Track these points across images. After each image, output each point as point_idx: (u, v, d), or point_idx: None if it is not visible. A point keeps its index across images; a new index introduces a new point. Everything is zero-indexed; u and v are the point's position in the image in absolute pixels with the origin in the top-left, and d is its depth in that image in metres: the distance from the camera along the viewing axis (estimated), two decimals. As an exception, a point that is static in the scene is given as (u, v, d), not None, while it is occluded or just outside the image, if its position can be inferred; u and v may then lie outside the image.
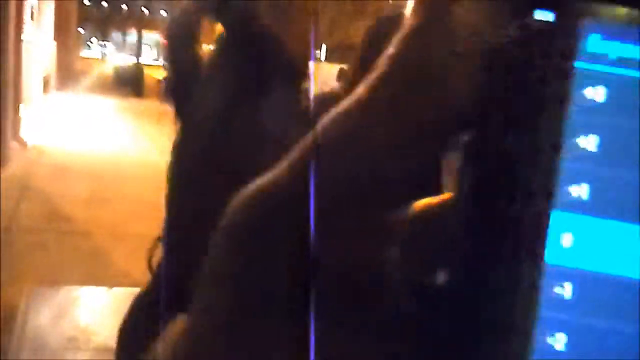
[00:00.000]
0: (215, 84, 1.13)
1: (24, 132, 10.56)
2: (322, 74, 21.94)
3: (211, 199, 1.05)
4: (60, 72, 19.48)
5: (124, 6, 55.33)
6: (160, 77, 32.30)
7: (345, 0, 25.96)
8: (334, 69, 20.39)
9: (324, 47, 31.13)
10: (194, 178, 1.15)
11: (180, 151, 1.21)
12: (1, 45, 7.98)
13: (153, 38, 71.10)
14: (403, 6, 1.24)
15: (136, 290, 1.45)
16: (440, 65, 0.29)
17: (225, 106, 1.08)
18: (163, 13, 71.69)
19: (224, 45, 1.18)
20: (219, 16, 1.18)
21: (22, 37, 9.63)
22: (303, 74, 1.12)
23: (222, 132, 1.09)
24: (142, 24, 46.81)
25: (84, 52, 59.99)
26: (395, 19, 1.33)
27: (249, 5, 1.11)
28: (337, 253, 0.31)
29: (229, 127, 1.08)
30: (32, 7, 10.08)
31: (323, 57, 30.11)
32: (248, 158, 0.94)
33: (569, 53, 0.28)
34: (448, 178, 0.33)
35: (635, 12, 0.26)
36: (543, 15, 0.28)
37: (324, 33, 29.84)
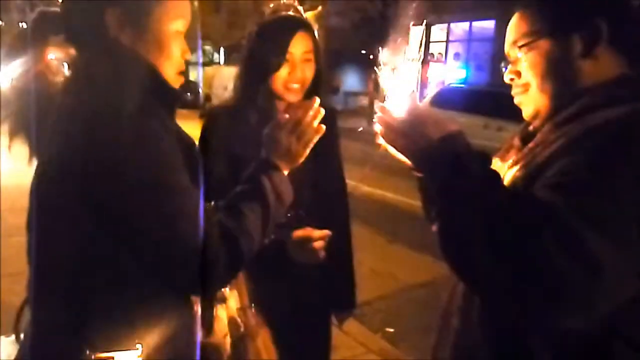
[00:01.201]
0: (70, 116, 1.03)
1: None
2: (223, 78, 21.42)
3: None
4: None
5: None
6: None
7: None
8: (233, 71, 20.24)
9: (222, 49, 30.70)
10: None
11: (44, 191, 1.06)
12: None
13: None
14: (290, 5, 1.30)
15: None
16: None
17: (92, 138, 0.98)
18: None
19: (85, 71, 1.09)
20: (74, 39, 1.10)
21: None
22: (178, 97, 1.11)
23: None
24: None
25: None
26: (281, 16, 1.40)
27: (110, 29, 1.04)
28: None
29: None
30: None
31: (222, 61, 29.66)
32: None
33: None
34: None
35: None
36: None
37: (222, 34, 29.42)
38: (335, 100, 23.32)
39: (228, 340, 1.33)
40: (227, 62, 28.66)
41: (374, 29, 17.04)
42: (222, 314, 1.33)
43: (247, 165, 1.18)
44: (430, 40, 19.27)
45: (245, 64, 1.57)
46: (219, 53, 30.97)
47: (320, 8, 22.24)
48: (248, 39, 1.58)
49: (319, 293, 1.66)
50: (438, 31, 19.07)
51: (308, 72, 1.52)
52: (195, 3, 1.55)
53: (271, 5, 1.60)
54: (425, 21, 19.25)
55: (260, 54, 1.49)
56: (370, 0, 16.59)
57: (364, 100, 18.73)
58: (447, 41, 18.86)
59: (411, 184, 6.21)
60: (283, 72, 1.48)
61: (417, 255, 5.17)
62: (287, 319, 1.50)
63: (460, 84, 14.22)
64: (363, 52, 20.11)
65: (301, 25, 1.50)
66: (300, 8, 1.55)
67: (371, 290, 4.29)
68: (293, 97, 1.52)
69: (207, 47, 31.03)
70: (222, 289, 1.32)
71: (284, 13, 1.52)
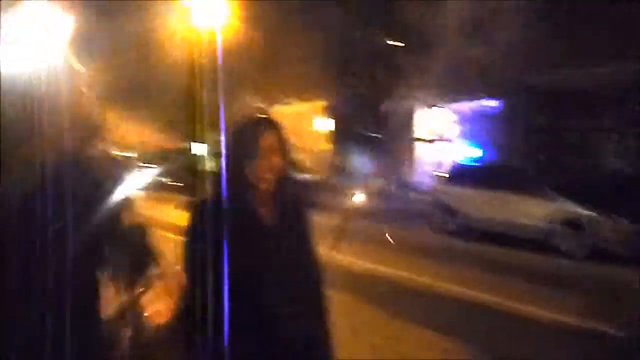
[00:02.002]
0: None
1: None
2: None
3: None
4: None
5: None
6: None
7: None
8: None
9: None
10: None
11: None
12: None
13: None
14: (260, 108, 1.44)
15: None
16: None
17: None
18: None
19: None
20: None
21: None
22: None
23: None
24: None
25: None
26: (253, 118, 1.59)
27: None
28: None
29: None
30: None
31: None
32: None
33: None
34: None
35: None
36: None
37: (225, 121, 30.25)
38: (345, 182, 23.56)
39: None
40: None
41: (377, 111, 17.56)
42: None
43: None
44: (435, 119, 19.70)
45: (226, 159, 1.75)
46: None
47: (324, 95, 23.15)
48: (227, 138, 1.79)
49: None
50: (446, 110, 19.52)
51: (276, 163, 1.70)
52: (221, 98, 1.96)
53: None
54: (430, 101, 19.78)
55: (236, 150, 1.71)
56: (372, 85, 17.18)
57: (371, 181, 18.88)
58: (453, 120, 19.24)
59: (415, 260, 6.20)
60: (255, 163, 1.67)
61: (420, 331, 4.99)
62: None
63: (471, 161, 14.40)
64: (370, 134, 20.59)
65: (268, 125, 1.74)
66: (267, 110, 1.80)
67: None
68: (265, 186, 1.69)
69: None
70: None
71: (255, 115, 1.81)
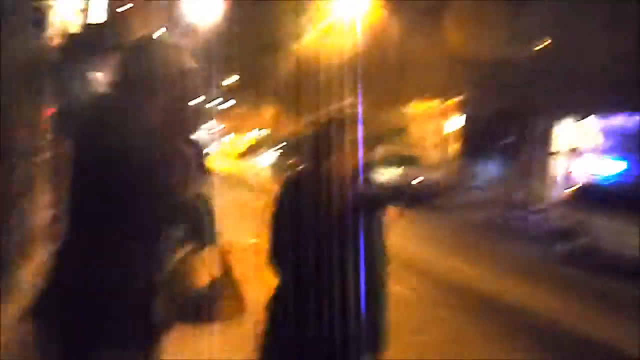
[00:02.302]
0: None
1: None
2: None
3: None
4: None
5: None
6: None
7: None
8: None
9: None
10: None
11: None
12: None
13: (203, 127, 75.10)
14: (345, 107, 1.67)
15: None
16: None
17: None
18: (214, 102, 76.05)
19: None
20: None
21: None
22: None
23: None
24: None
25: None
26: (337, 121, 1.78)
27: None
28: None
29: None
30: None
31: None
32: None
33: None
34: None
35: None
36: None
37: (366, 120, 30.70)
38: (473, 188, 22.85)
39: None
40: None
41: (516, 120, 16.79)
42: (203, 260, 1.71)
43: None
44: (577, 132, 18.34)
45: (309, 148, 1.98)
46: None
47: (461, 97, 22.48)
48: (312, 132, 2.00)
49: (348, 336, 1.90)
50: (585, 124, 18.13)
51: (354, 157, 1.90)
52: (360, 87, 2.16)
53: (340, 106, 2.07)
54: (572, 113, 18.48)
55: (320, 142, 1.92)
56: (512, 92, 16.41)
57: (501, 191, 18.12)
58: (596, 134, 17.80)
59: (530, 285, 5.94)
60: (337, 156, 1.89)
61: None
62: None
63: (608, 180, 13.28)
64: (505, 142, 19.72)
65: (348, 124, 1.88)
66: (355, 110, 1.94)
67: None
68: (345, 175, 1.91)
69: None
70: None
71: (339, 115, 1.96)
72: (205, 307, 1.72)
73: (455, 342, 5.15)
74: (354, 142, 1.88)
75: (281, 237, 1.90)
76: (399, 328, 5.43)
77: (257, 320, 2.05)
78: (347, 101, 2.00)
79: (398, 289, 7.12)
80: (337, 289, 1.83)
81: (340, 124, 1.93)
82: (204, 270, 1.71)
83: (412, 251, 9.63)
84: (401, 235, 12.51)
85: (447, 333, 5.41)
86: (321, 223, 1.83)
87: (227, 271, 1.75)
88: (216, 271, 1.73)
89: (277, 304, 1.96)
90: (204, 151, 1.87)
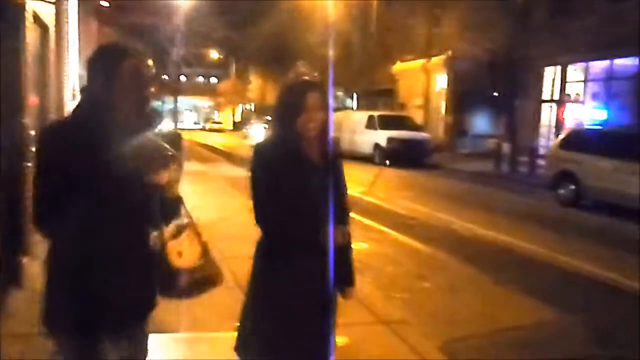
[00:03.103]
0: None
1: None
2: (350, 121, 22.02)
3: None
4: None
5: (164, 76, 58.38)
6: (199, 140, 32.83)
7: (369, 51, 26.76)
8: (361, 115, 20.79)
9: (354, 95, 31.94)
10: None
11: None
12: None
13: (191, 103, 74.45)
14: (306, 72, 1.86)
15: None
16: None
17: None
18: (200, 79, 75.32)
19: None
20: None
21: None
22: None
23: None
24: (179, 91, 49.05)
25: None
26: (301, 80, 1.93)
27: None
28: None
29: None
30: (73, 89, 10.78)
31: (355, 105, 30.80)
32: None
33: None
34: None
35: None
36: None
37: (353, 81, 30.68)
38: (464, 143, 23.04)
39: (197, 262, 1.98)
40: (358, 107, 29.68)
41: (504, 72, 16.78)
42: (187, 242, 2.00)
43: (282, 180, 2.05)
44: (567, 80, 18.39)
45: (277, 112, 2.20)
46: (351, 98, 32.21)
47: (449, 52, 22.37)
48: (278, 95, 2.22)
49: (331, 274, 2.19)
50: (575, 71, 18.17)
51: (320, 116, 2.10)
52: (330, 53, 2.31)
53: (299, 68, 2.25)
54: (560, 61, 18.46)
55: (287, 105, 2.13)
56: (499, 44, 16.36)
57: (492, 144, 18.25)
58: (585, 81, 17.88)
59: (529, 227, 6.37)
60: (304, 116, 2.08)
61: (522, 298, 5.07)
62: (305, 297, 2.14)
63: (599, 125, 13.41)
64: (494, 94, 19.78)
65: (314, 85, 2.13)
66: (314, 74, 2.21)
67: (467, 328, 4.33)
68: (312, 133, 2.10)
69: (339, 93, 32.44)
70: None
71: (302, 77, 2.18)
72: (187, 282, 1.96)
73: (462, 287, 5.33)
74: (319, 103, 2.10)
75: (260, 197, 2.10)
76: (407, 275, 5.67)
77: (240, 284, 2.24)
78: (304, 67, 2.17)
79: (404, 239, 7.35)
80: (317, 234, 2.10)
81: (303, 86, 2.13)
82: (184, 249, 1.98)
83: (414, 205, 9.84)
84: (400, 191, 12.60)
85: (452, 278, 5.58)
86: (296, 181, 2.09)
87: (204, 248, 2.01)
88: (194, 249, 1.99)
89: (266, 259, 2.17)
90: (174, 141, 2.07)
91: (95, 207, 1.75)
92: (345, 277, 2.29)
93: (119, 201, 1.77)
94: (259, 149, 2.16)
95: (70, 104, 10.01)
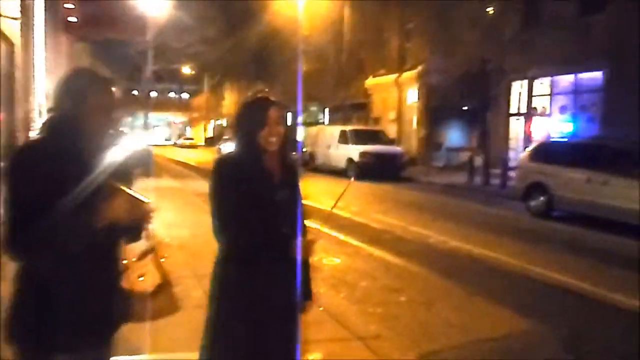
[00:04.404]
0: None
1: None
2: (325, 136, 22.10)
3: None
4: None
5: (134, 92, 57.79)
6: (171, 157, 32.54)
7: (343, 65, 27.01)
8: (335, 130, 20.87)
9: (326, 110, 32.08)
10: None
11: None
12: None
13: (163, 119, 73.82)
14: (264, 91, 1.93)
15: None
16: None
17: None
18: (172, 95, 74.82)
19: None
20: None
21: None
22: None
23: None
24: (150, 106, 48.56)
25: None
26: (261, 97, 2.27)
27: None
28: None
29: None
30: (40, 105, 10.56)
31: (327, 120, 30.93)
32: None
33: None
34: None
35: None
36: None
37: (327, 96, 30.87)
38: (438, 156, 23.32)
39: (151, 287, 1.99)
40: (331, 121, 29.81)
41: (475, 85, 17.09)
42: (152, 266, 2.01)
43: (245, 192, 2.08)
44: (534, 94, 18.81)
45: (239, 128, 2.25)
46: (324, 113, 32.35)
47: (421, 67, 22.70)
48: (239, 111, 2.29)
49: (294, 287, 2.24)
50: (542, 85, 18.61)
51: (279, 131, 2.18)
52: (301, 67, 2.38)
53: (255, 91, 2.38)
54: (527, 75, 18.91)
55: (249, 120, 2.20)
56: (469, 57, 16.69)
57: (465, 156, 18.50)
58: (552, 94, 18.32)
59: (502, 239, 6.42)
60: (265, 130, 2.15)
61: (496, 309, 5.10)
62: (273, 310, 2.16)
63: (566, 137, 13.72)
64: (465, 108, 20.10)
65: (273, 101, 2.22)
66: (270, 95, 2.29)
67: (442, 341, 4.32)
68: (273, 147, 2.17)
69: (314, 108, 32.57)
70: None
71: (261, 95, 2.29)
72: (141, 307, 2.00)
73: (437, 300, 5.33)
74: (279, 118, 2.19)
75: (222, 210, 2.13)
76: (381, 289, 5.65)
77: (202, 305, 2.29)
78: (262, 86, 2.27)
79: (379, 253, 7.34)
80: (279, 247, 2.15)
81: (264, 102, 2.22)
82: (146, 272, 2.02)
83: (387, 219, 9.86)
84: (374, 205, 12.64)
85: (427, 291, 5.58)
86: (258, 194, 2.14)
87: (164, 276, 2.05)
88: (154, 277, 2.03)
89: (227, 273, 2.18)
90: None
91: (64, 229, 1.75)
92: (304, 291, 2.31)
93: (86, 222, 1.78)
94: (220, 163, 2.21)
95: (37, 119, 9.84)
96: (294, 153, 2.39)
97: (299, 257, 2.16)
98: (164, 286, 2.05)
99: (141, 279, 2.00)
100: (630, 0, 14.23)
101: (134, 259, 2.03)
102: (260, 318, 2.13)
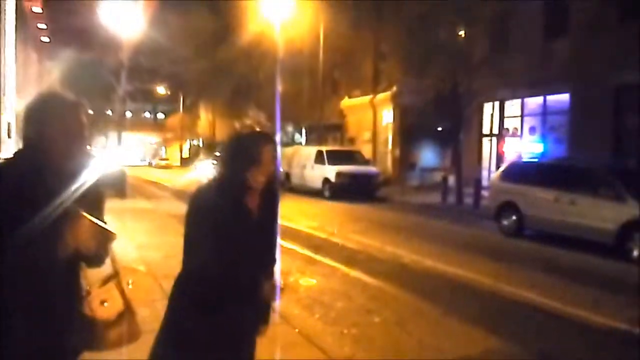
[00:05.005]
0: None
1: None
2: (301, 156, 22.16)
3: None
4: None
5: (108, 112, 57.14)
6: (146, 177, 32.12)
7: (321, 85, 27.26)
8: (311, 150, 20.96)
9: (303, 130, 32.24)
10: None
11: None
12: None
13: (138, 139, 73.07)
14: (261, 123, 1.90)
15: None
16: None
17: None
18: (147, 115, 74.24)
19: None
20: None
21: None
22: None
23: None
24: (125, 126, 48.08)
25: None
26: (257, 132, 1.98)
27: None
28: None
29: None
30: (8, 124, 10.36)
31: (304, 140, 31.05)
32: None
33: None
34: None
35: None
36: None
37: (303, 116, 31.04)
38: (413, 176, 23.57)
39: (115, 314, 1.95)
40: (308, 141, 29.92)
41: (447, 106, 17.40)
42: (115, 292, 1.97)
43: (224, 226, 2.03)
44: (505, 115, 19.24)
45: (228, 161, 2.16)
46: (300, 133, 32.48)
47: (394, 88, 23.04)
48: (231, 143, 2.21)
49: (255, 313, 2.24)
50: (512, 106, 19.06)
51: (271, 170, 2.11)
52: (279, 87, 2.31)
53: (247, 122, 2.22)
54: (497, 97, 19.35)
55: (240, 155, 2.10)
56: (442, 79, 17.02)
57: (439, 176, 18.74)
58: (522, 115, 18.77)
59: (475, 258, 6.50)
60: (256, 169, 2.08)
61: (469, 328, 5.14)
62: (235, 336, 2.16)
63: (537, 157, 14.04)
64: (439, 129, 20.43)
65: (269, 139, 2.15)
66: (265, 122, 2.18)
67: (416, 362, 4.33)
68: (257, 186, 2.11)
69: (289, 128, 32.67)
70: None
71: (258, 129, 2.18)
72: (102, 334, 1.95)
73: (411, 320, 5.35)
74: (273, 157, 2.13)
75: (194, 240, 2.09)
76: (357, 310, 5.64)
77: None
78: (260, 115, 2.23)
79: (354, 274, 7.34)
80: (247, 282, 2.13)
81: (259, 139, 2.16)
82: (108, 298, 1.97)
83: (363, 238, 9.88)
84: (349, 225, 12.63)
85: (401, 311, 5.60)
86: (234, 229, 2.08)
87: (126, 303, 2.00)
88: (117, 302, 1.98)
89: (189, 302, 2.13)
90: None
91: (27, 253, 1.73)
92: (263, 317, 2.31)
93: (49, 248, 1.76)
94: (200, 192, 2.14)
95: (5, 140, 9.66)
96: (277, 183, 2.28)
97: (261, 294, 2.14)
98: (127, 313, 1.99)
99: (105, 304, 1.96)
100: (589, 26, 14.77)
101: (96, 285, 1.98)
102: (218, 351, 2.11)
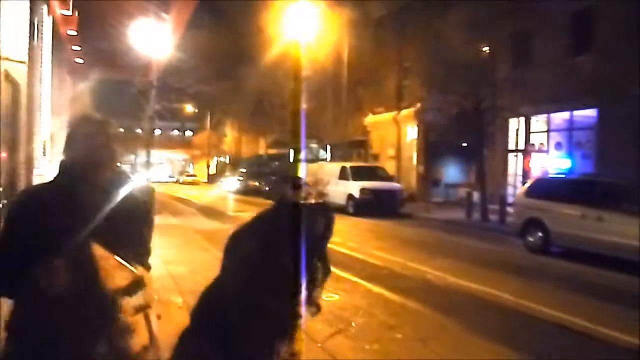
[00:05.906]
0: None
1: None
2: (324, 173, 22.35)
3: None
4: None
5: (137, 130, 58.36)
6: (173, 194, 32.54)
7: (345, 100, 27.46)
8: (335, 167, 21.08)
9: (328, 147, 32.40)
10: None
11: None
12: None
13: (166, 156, 74.43)
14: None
15: None
16: None
17: None
18: (175, 132, 75.58)
19: None
20: None
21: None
22: None
23: None
24: (154, 144, 49.03)
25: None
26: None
27: None
28: None
29: None
30: (44, 142, 10.69)
31: (329, 157, 31.19)
32: None
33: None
34: None
35: None
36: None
37: (327, 133, 31.24)
38: (437, 192, 23.45)
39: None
40: (332, 158, 30.07)
41: (471, 122, 17.37)
42: (143, 324, 1.94)
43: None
44: (531, 130, 19.07)
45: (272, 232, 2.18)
46: (325, 150, 32.65)
47: (418, 105, 23.07)
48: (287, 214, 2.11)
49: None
50: (538, 121, 18.89)
51: (316, 191, 2.25)
52: (304, 105, 2.28)
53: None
54: (521, 113, 19.11)
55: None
56: (465, 96, 17.01)
57: (463, 192, 18.62)
58: (548, 131, 18.57)
59: (499, 275, 6.53)
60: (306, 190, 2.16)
61: (492, 345, 5.12)
62: None
63: (563, 173, 13.88)
64: (463, 145, 20.35)
65: (327, 209, 2.27)
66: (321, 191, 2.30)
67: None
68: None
69: (314, 145, 32.87)
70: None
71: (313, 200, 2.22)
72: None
73: (434, 337, 5.36)
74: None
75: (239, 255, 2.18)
76: (379, 326, 5.68)
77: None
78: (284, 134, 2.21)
79: (377, 290, 7.37)
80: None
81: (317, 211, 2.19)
82: (134, 333, 1.93)
83: (386, 255, 9.90)
84: (372, 241, 12.65)
85: (424, 328, 5.61)
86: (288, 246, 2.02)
87: (152, 336, 1.97)
88: (142, 336, 1.94)
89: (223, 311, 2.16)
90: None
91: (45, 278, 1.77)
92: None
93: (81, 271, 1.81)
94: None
95: (41, 159, 10.02)
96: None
97: None
98: (151, 347, 1.97)
99: (132, 336, 1.93)
100: (612, 41, 14.62)
101: (128, 313, 1.94)
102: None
